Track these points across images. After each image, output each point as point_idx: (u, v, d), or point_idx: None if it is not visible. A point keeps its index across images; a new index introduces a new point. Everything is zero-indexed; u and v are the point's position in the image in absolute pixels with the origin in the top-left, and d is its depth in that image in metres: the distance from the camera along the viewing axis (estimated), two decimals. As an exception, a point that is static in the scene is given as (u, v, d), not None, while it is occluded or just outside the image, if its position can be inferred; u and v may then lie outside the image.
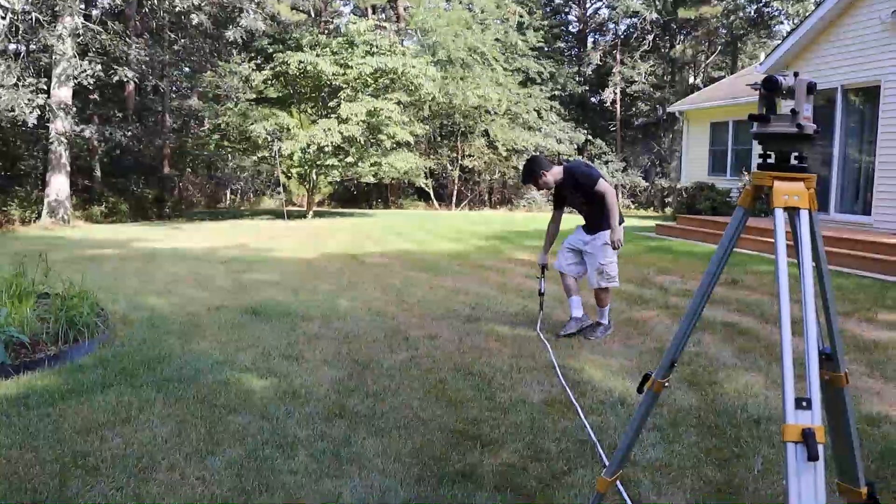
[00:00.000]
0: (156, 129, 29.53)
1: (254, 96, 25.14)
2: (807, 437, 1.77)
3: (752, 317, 7.22)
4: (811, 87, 2.07)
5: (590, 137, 34.40)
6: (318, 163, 23.09)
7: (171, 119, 31.54)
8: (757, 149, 2.20)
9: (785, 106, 2.16)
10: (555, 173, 6.39)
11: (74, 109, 21.89)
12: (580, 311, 6.61)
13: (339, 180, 28.03)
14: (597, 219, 6.36)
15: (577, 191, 6.38)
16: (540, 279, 6.90)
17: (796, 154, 2.11)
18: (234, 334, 6.44)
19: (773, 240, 2.05)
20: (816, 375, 1.86)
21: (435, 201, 33.30)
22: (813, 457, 1.74)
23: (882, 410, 4.50)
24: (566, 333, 6.48)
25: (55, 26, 20.04)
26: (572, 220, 6.81)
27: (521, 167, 30.35)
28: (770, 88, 2.09)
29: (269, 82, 24.28)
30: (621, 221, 6.30)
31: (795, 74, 2.08)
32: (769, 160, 2.15)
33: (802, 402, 1.82)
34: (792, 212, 2.07)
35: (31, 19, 19.45)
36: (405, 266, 11.07)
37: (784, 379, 1.86)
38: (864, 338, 6.32)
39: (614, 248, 6.28)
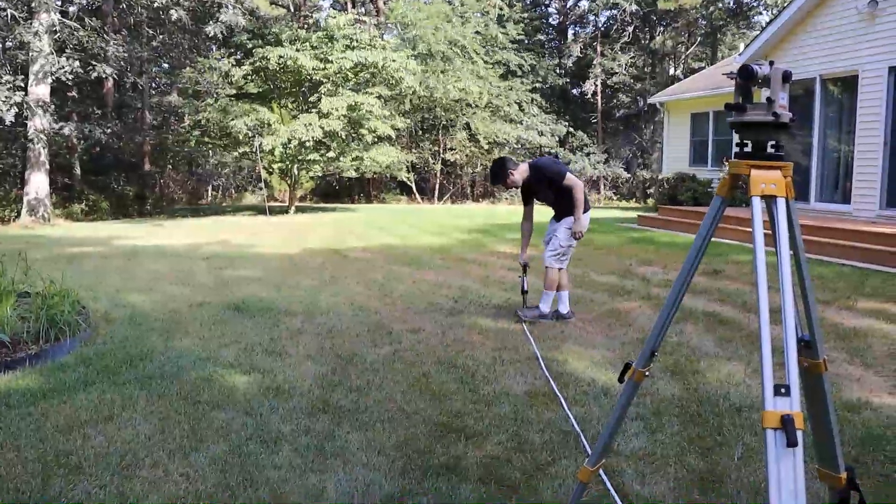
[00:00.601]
0: (136, 126, 29.32)
1: (234, 92, 25.02)
2: (786, 423, 1.78)
3: (733, 306, 7.26)
4: (786, 76, 2.08)
5: (571, 129, 34.44)
6: (300, 158, 23.02)
7: (151, 116, 31.33)
8: (736, 138, 2.21)
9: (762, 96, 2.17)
10: (521, 171, 6.76)
11: (53, 107, 21.67)
12: (566, 306, 6.90)
13: (320, 175, 27.96)
14: (564, 209, 6.77)
15: (549, 186, 6.71)
16: (522, 278, 7.14)
17: (773, 142, 2.12)
18: (217, 331, 6.42)
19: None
20: (795, 362, 1.88)
21: (417, 195, 33.27)
22: (792, 443, 1.76)
23: (862, 397, 4.54)
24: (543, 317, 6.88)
25: (31, 23, 19.83)
26: (547, 212, 6.93)
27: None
28: (746, 77, 2.10)
29: (249, 78, 24.17)
30: (587, 209, 6.73)
31: (771, 63, 2.09)
32: (746, 149, 2.16)
33: (781, 389, 1.83)
34: (769, 200, 2.09)
35: (7, 16, 19.26)
36: (388, 260, 11.05)
37: (763, 366, 1.87)
38: (844, 326, 6.37)
39: (576, 238, 6.67)
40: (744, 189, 2.15)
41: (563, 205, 6.71)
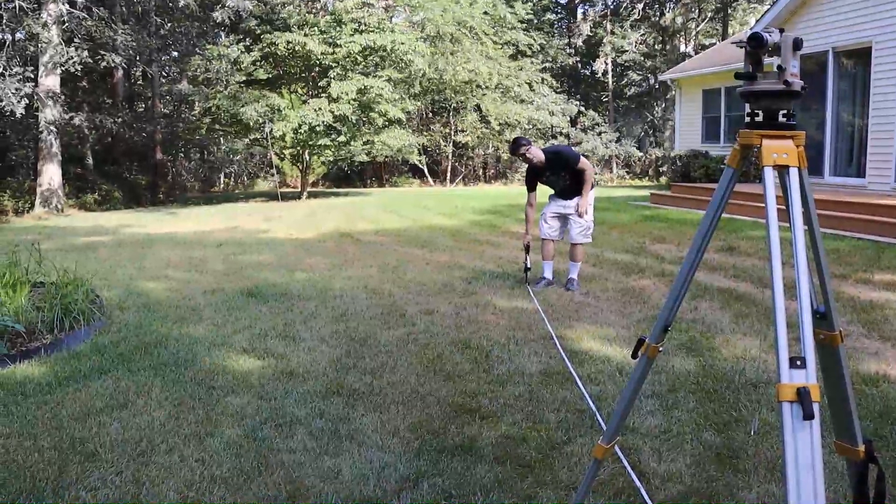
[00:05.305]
0: (146, 115, 29.33)
1: (243, 78, 24.98)
2: (802, 396, 1.74)
3: (748, 282, 7.22)
4: (797, 43, 2.03)
5: (582, 109, 34.24)
6: (311, 143, 22.99)
7: (162, 104, 31.33)
8: (747, 109, 2.16)
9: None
10: (536, 152, 7.21)
11: (63, 98, 21.71)
12: (551, 274, 7.54)
13: (332, 160, 27.96)
14: (576, 188, 7.29)
15: (565, 169, 7.21)
16: (526, 257, 7.63)
17: (784, 111, 2.07)
18: (231, 316, 6.43)
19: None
20: (810, 334, 1.84)
21: (429, 178, 33.22)
22: (808, 415, 1.72)
23: (880, 370, 4.51)
24: (537, 289, 7.26)
25: (40, 14, 19.85)
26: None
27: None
28: (755, 45, 2.05)
29: (259, 64, 24.16)
30: (592, 187, 7.37)
31: (781, 30, 2.04)
32: (757, 119, 2.12)
33: (797, 362, 1.79)
34: (781, 170, 2.04)
35: (15, 7, 19.26)
36: (401, 243, 11.04)
37: (777, 338, 1.83)
38: (860, 299, 6.32)
39: (580, 215, 7.22)
40: (756, 160, 2.11)
41: (574, 184, 7.27)
